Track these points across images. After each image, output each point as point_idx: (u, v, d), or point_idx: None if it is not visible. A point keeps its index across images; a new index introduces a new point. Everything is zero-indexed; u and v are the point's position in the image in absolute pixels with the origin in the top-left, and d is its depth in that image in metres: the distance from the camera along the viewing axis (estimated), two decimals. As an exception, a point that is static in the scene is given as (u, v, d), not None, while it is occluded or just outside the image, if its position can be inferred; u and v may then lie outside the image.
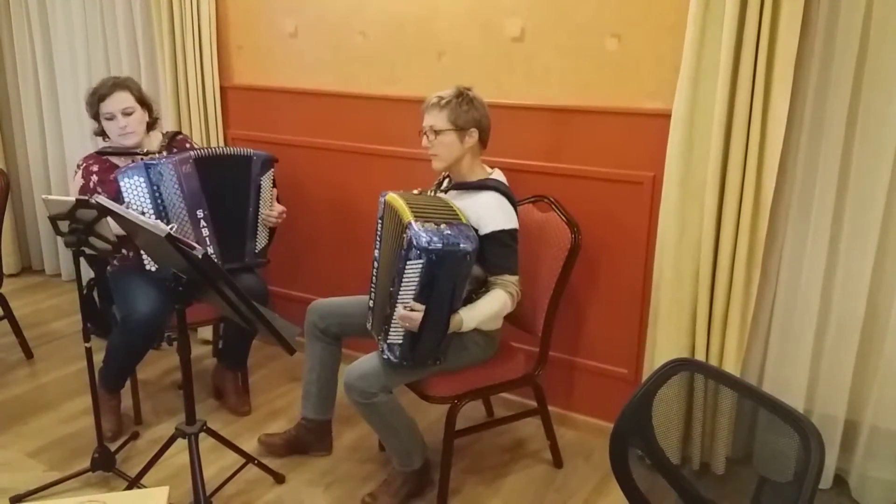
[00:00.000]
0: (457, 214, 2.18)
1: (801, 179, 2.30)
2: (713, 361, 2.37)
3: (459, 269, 2.08)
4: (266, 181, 2.81)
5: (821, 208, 2.28)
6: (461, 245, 2.05)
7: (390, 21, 2.90)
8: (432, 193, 2.41)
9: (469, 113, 2.27)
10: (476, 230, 2.18)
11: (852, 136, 2.20)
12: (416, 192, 2.36)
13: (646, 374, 2.53)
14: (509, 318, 2.54)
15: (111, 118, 2.67)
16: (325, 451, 2.68)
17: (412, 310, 2.09)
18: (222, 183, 2.72)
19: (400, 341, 2.17)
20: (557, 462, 2.64)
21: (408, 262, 2.08)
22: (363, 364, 2.27)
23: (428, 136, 2.31)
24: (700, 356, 2.38)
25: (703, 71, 2.22)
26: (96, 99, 2.67)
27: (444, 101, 2.27)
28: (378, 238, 2.35)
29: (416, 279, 2.08)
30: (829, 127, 2.21)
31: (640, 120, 2.47)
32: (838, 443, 2.40)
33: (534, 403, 2.59)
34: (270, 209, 2.82)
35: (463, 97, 2.28)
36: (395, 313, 2.15)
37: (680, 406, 2.31)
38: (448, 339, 2.18)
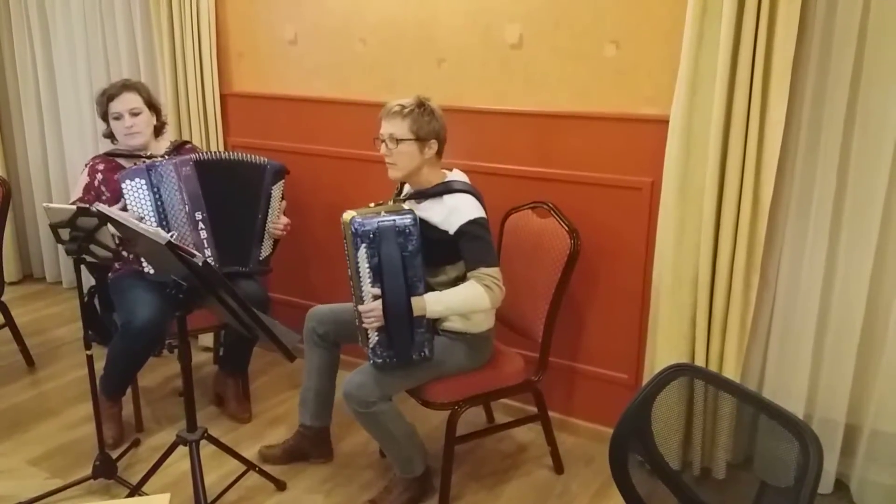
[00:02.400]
0: (405, 209, 2.23)
1: (800, 184, 2.30)
2: (713, 366, 2.36)
3: (402, 243, 2.13)
4: (276, 191, 2.83)
5: (819, 212, 2.28)
6: (396, 221, 2.12)
7: (390, 28, 2.91)
8: (391, 203, 2.40)
9: (430, 124, 2.26)
10: (446, 231, 2.21)
11: (850, 139, 2.21)
12: (372, 205, 2.34)
13: (646, 379, 2.53)
14: (508, 323, 2.55)
15: (118, 118, 2.72)
16: (324, 458, 2.68)
17: (374, 299, 2.14)
18: (231, 188, 2.74)
19: (378, 338, 2.19)
20: (558, 468, 2.64)
21: (357, 255, 2.14)
22: (360, 373, 2.27)
23: (387, 144, 2.28)
24: (700, 361, 2.38)
25: (700, 76, 2.22)
26: (105, 99, 2.73)
27: (406, 110, 2.24)
28: (347, 258, 2.31)
29: (367, 266, 2.14)
30: (827, 130, 2.22)
31: (639, 126, 2.48)
32: (839, 447, 2.40)
33: (534, 409, 2.59)
34: (277, 220, 2.83)
35: (424, 108, 2.25)
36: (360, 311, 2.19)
37: (680, 411, 2.29)
38: (426, 328, 2.20)
